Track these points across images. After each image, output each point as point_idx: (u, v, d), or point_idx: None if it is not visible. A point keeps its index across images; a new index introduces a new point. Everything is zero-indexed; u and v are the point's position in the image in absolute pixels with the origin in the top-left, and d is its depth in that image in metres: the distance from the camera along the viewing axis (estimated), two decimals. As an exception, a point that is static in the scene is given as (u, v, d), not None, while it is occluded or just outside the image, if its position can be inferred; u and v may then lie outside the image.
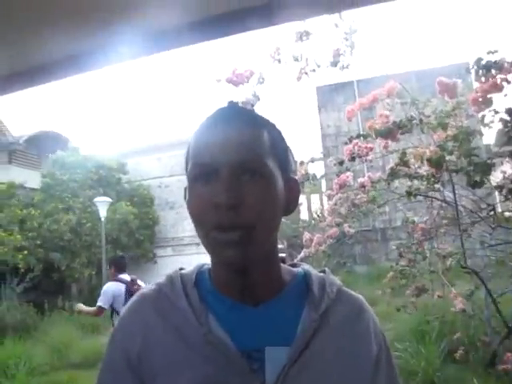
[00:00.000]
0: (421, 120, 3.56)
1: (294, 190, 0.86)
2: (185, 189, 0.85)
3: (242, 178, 0.76)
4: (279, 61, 3.79)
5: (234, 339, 0.79)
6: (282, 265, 0.90)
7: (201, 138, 0.82)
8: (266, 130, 0.83)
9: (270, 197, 0.78)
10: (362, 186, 4.17)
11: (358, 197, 4.27)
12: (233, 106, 0.87)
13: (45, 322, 10.33)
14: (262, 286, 0.83)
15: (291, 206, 0.86)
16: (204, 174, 0.78)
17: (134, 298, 0.88)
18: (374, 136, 3.59)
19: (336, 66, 3.80)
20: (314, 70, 3.82)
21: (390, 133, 3.50)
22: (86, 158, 14.76)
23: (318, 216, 8.67)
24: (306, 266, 0.95)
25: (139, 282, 5.11)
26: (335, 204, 4.34)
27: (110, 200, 12.29)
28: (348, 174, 4.11)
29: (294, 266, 0.96)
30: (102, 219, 11.88)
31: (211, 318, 0.81)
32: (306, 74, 3.82)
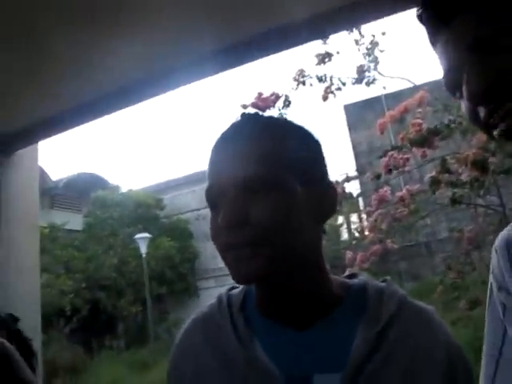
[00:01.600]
0: (460, 123, 3.42)
1: (327, 196, 0.80)
2: None
3: (247, 194, 0.73)
4: (303, 83, 3.79)
5: (280, 366, 0.74)
6: (334, 278, 0.84)
7: (212, 155, 0.80)
8: (281, 139, 0.78)
9: (280, 209, 0.73)
10: (402, 199, 4.07)
11: (398, 211, 4.16)
12: (245, 117, 0.82)
13: (94, 362, 10.43)
14: (307, 306, 0.78)
15: (325, 213, 0.80)
16: (214, 193, 0.77)
17: (187, 321, 0.87)
18: (409, 146, 3.49)
19: (361, 82, 3.77)
20: (339, 89, 3.81)
21: (425, 140, 3.40)
22: (124, 195, 15.07)
23: (359, 234, 8.52)
24: (364, 277, 0.87)
25: None
26: (375, 220, 4.23)
27: (149, 236, 12.44)
28: (386, 188, 4.01)
29: (351, 277, 0.88)
30: (144, 255, 12.00)
31: (256, 342, 0.78)
32: (332, 93, 3.81)
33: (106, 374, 8.82)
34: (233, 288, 0.89)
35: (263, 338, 0.78)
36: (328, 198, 0.81)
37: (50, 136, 1.71)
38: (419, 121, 3.58)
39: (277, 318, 0.79)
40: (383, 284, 0.83)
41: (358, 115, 14.01)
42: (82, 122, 1.57)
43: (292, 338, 0.77)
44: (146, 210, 14.93)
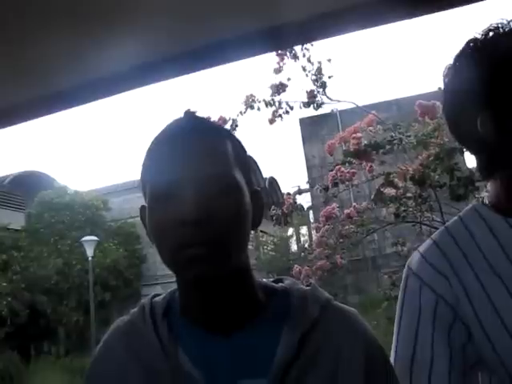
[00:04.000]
0: (400, 139, 3.59)
1: (258, 202, 0.81)
2: (141, 208, 0.80)
3: (209, 191, 0.71)
4: (251, 107, 3.88)
5: (205, 374, 0.72)
6: (259, 282, 0.83)
7: (159, 152, 0.77)
8: (229, 141, 0.78)
9: (238, 210, 0.74)
10: (349, 216, 4.15)
11: (345, 228, 4.24)
12: (190, 115, 0.81)
13: (30, 369, 10.01)
14: (234, 311, 0.76)
15: (257, 218, 0.80)
16: (166, 190, 0.73)
17: (109, 330, 0.83)
18: (350, 160, 3.65)
19: (309, 106, 3.89)
20: (287, 112, 3.91)
21: (364, 154, 3.55)
22: (72, 197, 14.64)
23: (307, 248, 8.61)
24: (289, 281, 0.86)
25: None
26: (322, 236, 4.29)
27: (96, 239, 12.13)
28: (334, 205, 4.09)
29: (277, 282, 0.87)
30: (90, 259, 11.69)
31: (180, 350, 0.75)
32: (280, 116, 3.91)
33: (42, 381, 8.47)
34: (156, 295, 0.86)
35: (188, 344, 0.76)
36: (260, 203, 0.81)
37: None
38: (359, 135, 3.71)
39: (202, 324, 0.77)
40: (307, 288, 0.83)
41: (313, 129, 14.25)
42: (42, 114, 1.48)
43: (218, 344, 0.75)
44: (94, 213, 14.57)
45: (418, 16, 1.10)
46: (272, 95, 3.85)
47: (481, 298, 0.84)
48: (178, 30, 1.14)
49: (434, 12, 1.09)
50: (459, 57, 0.91)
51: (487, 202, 0.94)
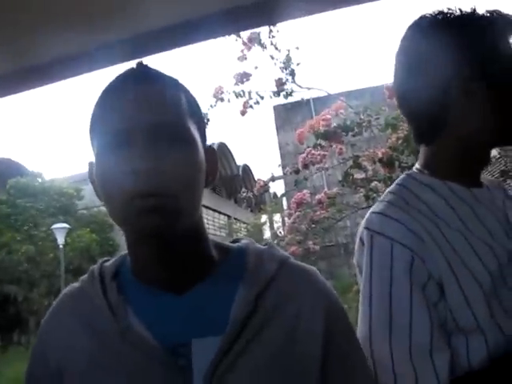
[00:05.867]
0: (369, 121, 3.61)
1: (212, 159, 0.79)
2: (90, 164, 0.77)
3: (161, 141, 0.68)
4: (222, 99, 3.85)
5: (157, 334, 0.70)
6: (214, 241, 0.80)
7: (107, 100, 0.73)
8: (184, 93, 0.75)
9: (192, 162, 0.71)
10: (320, 202, 4.17)
11: (317, 213, 4.26)
12: (142, 65, 0.77)
13: (-1, 359, 9.83)
14: (187, 268, 0.74)
15: (210, 177, 0.78)
16: (116, 139, 0.69)
17: (57, 298, 0.81)
18: (320, 143, 3.67)
19: (279, 95, 3.89)
20: (257, 103, 3.91)
21: (333, 135, 3.56)
22: (46, 184, 14.38)
23: (281, 234, 8.66)
24: (246, 241, 0.83)
25: None
26: (294, 222, 4.31)
27: (67, 226, 11.97)
28: (305, 191, 4.10)
29: (234, 242, 0.85)
30: (61, 246, 11.53)
31: (130, 312, 0.73)
32: (251, 107, 3.90)
33: (10, 372, 8.32)
34: (107, 260, 0.83)
35: (139, 305, 0.73)
36: (214, 160, 0.80)
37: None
38: (328, 116, 3.72)
39: (154, 283, 0.74)
40: (264, 247, 0.81)
41: (286, 117, 14.26)
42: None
43: (170, 303, 0.73)
44: (69, 200, 14.35)
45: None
46: (235, 84, 3.82)
47: (451, 253, 0.84)
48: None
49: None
50: (420, 27, 0.94)
51: (420, 168, 0.97)
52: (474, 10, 0.90)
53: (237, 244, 0.83)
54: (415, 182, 0.94)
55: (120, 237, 15.33)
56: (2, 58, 1.24)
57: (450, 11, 0.91)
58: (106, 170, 0.70)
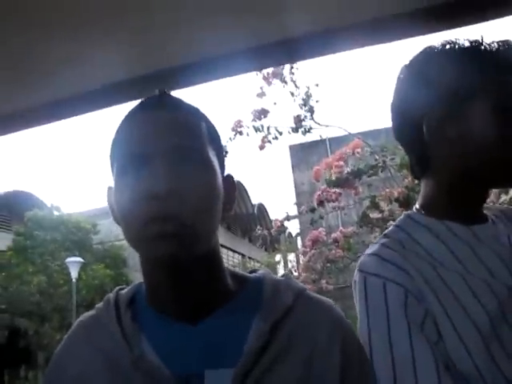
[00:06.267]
0: (384, 162, 3.62)
1: (230, 187, 0.78)
2: (108, 190, 0.77)
3: (180, 165, 0.68)
4: (240, 133, 3.90)
5: (170, 363, 0.68)
6: (230, 270, 0.80)
7: (128, 125, 0.74)
8: (204, 120, 0.76)
9: (211, 188, 0.71)
10: (336, 240, 4.14)
11: (332, 252, 4.23)
12: (165, 93, 0.78)
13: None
14: (203, 297, 0.73)
15: (228, 205, 0.77)
16: (135, 162, 0.69)
17: (72, 326, 0.80)
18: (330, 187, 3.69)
19: (298, 131, 3.93)
20: (276, 138, 3.95)
21: (345, 182, 3.57)
22: (63, 218, 14.50)
23: (295, 273, 8.57)
24: (263, 271, 0.83)
25: None
26: (309, 260, 4.28)
27: (81, 260, 11.98)
28: (320, 229, 4.09)
29: (251, 273, 0.84)
30: (74, 280, 11.51)
31: (144, 340, 0.72)
32: (269, 142, 3.94)
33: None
34: (123, 288, 0.82)
35: (153, 333, 0.72)
36: (232, 187, 0.79)
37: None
38: (341, 163, 3.76)
39: (169, 312, 0.73)
40: (281, 278, 0.80)
41: (302, 156, 14.32)
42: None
43: (184, 332, 0.71)
44: (83, 235, 14.42)
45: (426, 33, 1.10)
46: (253, 120, 3.88)
47: (448, 295, 0.82)
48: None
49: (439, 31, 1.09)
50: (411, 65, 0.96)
51: (418, 208, 0.96)
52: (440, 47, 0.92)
53: (254, 274, 0.82)
54: (413, 223, 0.93)
55: (133, 273, 15.30)
56: (28, 92, 1.28)
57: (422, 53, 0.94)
58: (124, 192, 0.70)
